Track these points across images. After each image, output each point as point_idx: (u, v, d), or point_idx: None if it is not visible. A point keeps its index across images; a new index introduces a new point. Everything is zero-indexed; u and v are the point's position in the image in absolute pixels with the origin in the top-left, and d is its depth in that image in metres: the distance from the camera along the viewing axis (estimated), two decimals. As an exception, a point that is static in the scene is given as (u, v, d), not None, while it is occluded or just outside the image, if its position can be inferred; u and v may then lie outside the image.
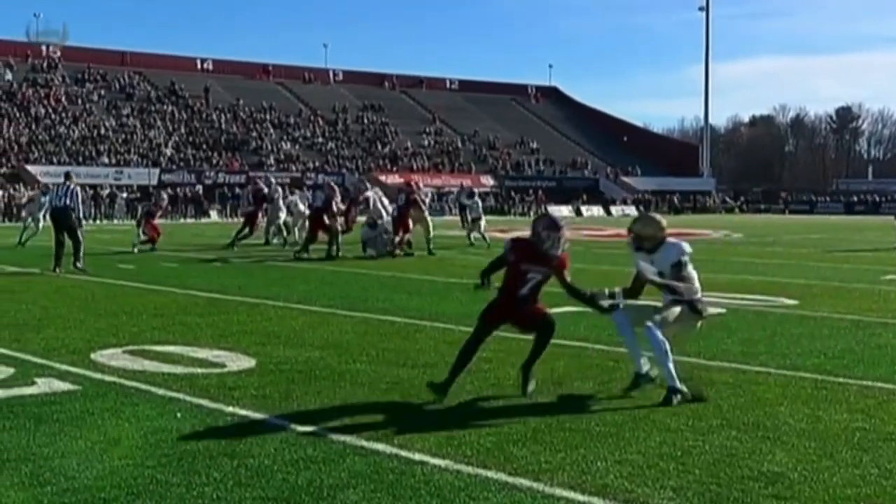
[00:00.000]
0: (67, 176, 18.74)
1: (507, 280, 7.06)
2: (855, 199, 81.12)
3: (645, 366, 7.07)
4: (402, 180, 57.93)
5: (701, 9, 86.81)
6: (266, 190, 24.95)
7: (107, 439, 5.69)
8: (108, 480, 4.94)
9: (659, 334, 6.86)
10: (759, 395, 7.06)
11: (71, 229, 17.15)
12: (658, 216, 7.65)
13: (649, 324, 6.92)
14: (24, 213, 30.06)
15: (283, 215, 24.74)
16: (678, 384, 6.77)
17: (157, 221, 23.42)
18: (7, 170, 54.35)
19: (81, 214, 17.87)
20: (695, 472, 5.18)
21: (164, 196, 27.22)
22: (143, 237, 22.39)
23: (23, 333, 9.72)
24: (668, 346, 6.84)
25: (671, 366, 6.80)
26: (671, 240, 7.30)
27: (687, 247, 7.24)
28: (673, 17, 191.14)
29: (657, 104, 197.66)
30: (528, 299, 7.04)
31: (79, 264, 16.84)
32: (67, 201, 17.36)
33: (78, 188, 17.94)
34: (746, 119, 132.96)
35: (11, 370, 7.70)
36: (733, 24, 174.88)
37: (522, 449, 5.58)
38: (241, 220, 26.77)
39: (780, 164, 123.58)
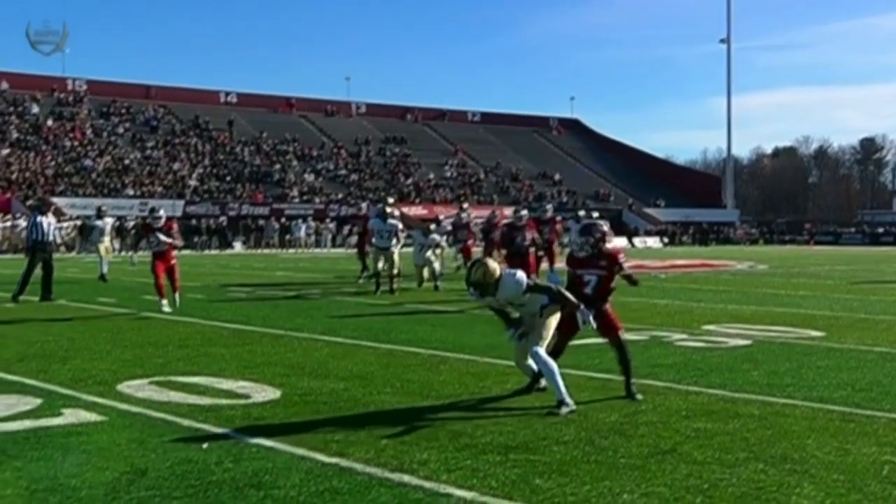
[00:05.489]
0: (41, 206, 19.38)
1: (570, 286, 8.14)
2: (880, 230, 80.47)
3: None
4: (425, 211, 58.23)
5: (722, 41, 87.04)
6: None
7: (134, 470, 5.71)
8: (135, 511, 4.97)
9: (544, 354, 7.63)
10: (785, 427, 7.01)
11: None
12: (485, 260, 8.14)
13: (536, 349, 7.63)
14: (89, 245, 30.34)
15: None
16: (566, 397, 7.44)
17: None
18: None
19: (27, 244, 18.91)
20: (722, 505, 5.15)
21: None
22: None
23: (49, 364, 9.79)
24: (553, 364, 7.59)
25: (559, 381, 7.50)
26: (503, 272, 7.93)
27: (520, 273, 7.96)
28: (695, 49, 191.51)
29: (679, 136, 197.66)
30: (594, 298, 8.06)
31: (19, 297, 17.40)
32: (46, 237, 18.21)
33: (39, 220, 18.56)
34: (769, 150, 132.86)
35: (39, 401, 7.75)
36: (755, 55, 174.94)
37: (548, 481, 5.56)
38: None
39: (805, 196, 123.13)
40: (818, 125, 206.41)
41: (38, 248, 17.93)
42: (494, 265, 7.80)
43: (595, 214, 24.75)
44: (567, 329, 8.15)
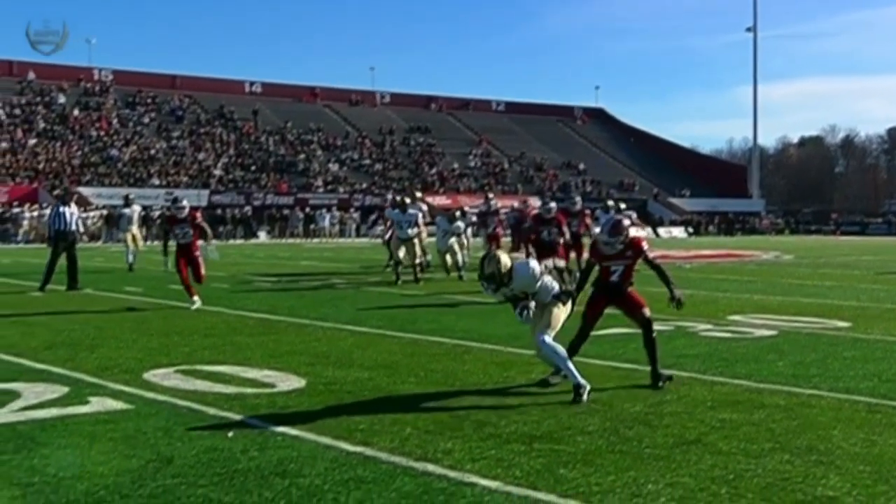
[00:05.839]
0: (64, 196, 19.49)
1: (600, 273, 8.38)
2: (907, 220, 79.66)
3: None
4: (449, 201, 58.22)
5: (748, 30, 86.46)
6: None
7: (160, 458, 5.75)
8: (162, 499, 5.00)
9: (550, 341, 7.69)
10: (811, 418, 6.97)
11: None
12: (496, 253, 8.09)
13: (542, 336, 7.70)
14: (118, 235, 30.58)
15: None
16: (581, 380, 7.52)
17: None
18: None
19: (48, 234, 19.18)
20: (748, 496, 5.13)
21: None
22: None
23: (76, 353, 9.87)
24: (562, 350, 7.69)
25: (571, 366, 7.61)
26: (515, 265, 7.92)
27: (532, 261, 8.04)
28: (720, 38, 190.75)
29: (705, 125, 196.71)
30: (621, 285, 8.31)
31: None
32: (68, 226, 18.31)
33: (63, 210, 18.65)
34: (795, 140, 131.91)
35: (66, 389, 7.82)
36: (781, 44, 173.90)
37: (573, 471, 5.56)
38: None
39: (831, 185, 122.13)
40: (845, 114, 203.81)
41: (59, 238, 18.06)
42: (505, 257, 7.83)
43: (622, 205, 24.65)
44: (591, 317, 8.22)
